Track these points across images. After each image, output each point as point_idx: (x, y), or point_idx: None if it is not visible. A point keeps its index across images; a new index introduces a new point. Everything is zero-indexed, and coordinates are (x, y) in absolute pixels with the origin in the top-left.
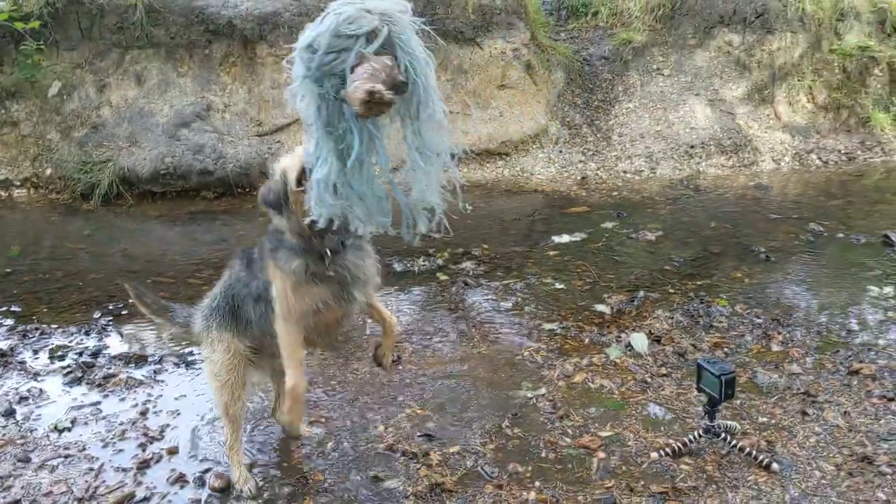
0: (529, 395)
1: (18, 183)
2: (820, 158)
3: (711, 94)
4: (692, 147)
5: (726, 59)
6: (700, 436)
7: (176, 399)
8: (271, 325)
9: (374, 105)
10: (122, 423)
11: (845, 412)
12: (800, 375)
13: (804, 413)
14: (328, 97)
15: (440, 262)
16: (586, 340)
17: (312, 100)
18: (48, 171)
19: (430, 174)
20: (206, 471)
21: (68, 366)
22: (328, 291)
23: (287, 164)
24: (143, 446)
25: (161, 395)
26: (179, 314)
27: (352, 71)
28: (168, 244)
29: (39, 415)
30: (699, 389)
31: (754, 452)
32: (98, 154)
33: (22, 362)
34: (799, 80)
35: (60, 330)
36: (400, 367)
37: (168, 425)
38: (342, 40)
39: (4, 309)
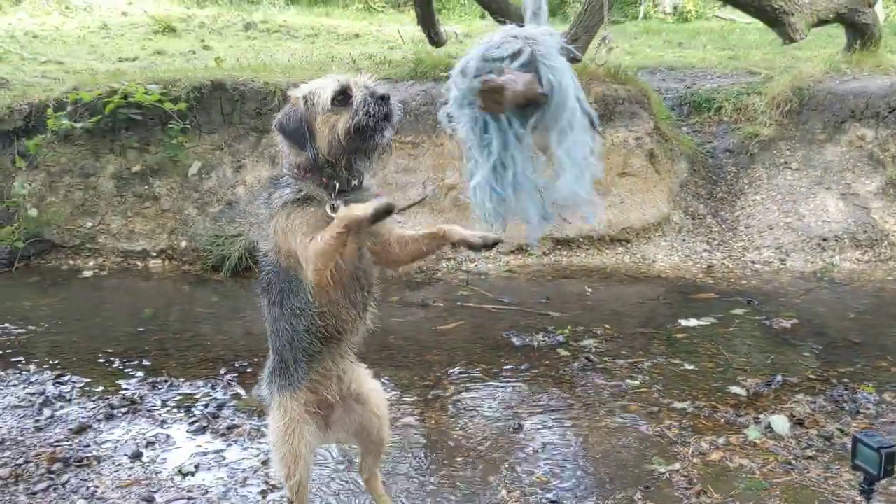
0: (662, 469)
1: (155, 254)
2: None
3: (843, 188)
4: (824, 240)
5: (858, 153)
6: None
7: None
8: (322, 360)
9: (487, 93)
10: (244, 471)
11: None
12: None
13: None
14: (478, 115)
15: (561, 338)
16: (721, 420)
17: (466, 119)
18: (183, 244)
19: (577, 169)
20: None
21: (194, 415)
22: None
23: (314, 87)
24: (263, 493)
25: None
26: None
27: None
28: None
29: (165, 459)
30: (854, 467)
31: None
32: (230, 229)
33: (150, 410)
34: None
35: (188, 383)
36: (522, 436)
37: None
38: (489, 63)
39: (136, 363)
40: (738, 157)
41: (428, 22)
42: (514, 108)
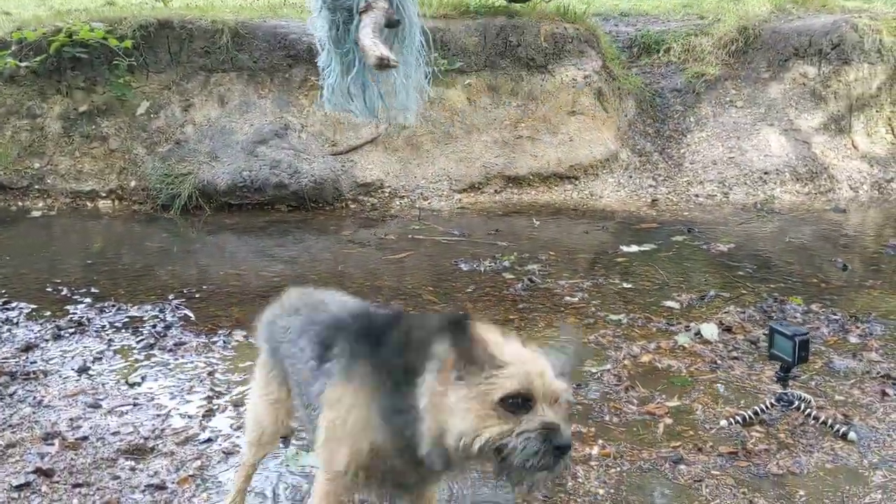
0: (594, 370)
1: (104, 194)
2: None
3: (786, 124)
4: (766, 174)
5: (801, 90)
6: (772, 405)
7: (242, 364)
8: None
9: (383, 67)
10: (190, 380)
11: None
12: (879, 363)
13: (884, 393)
14: (338, 23)
15: (506, 264)
16: (654, 329)
17: (326, 25)
18: (132, 184)
19: (408, 85)
20: None
21: (142, 334)
22: None
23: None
24: (209, 399)
25: (231, 359)
26: None
27: (360, 13)
28: (240, 248)
29: (112, 371)
30: (771, 356)
31: (830, 421)
32: (180, 168)
33: (98, 331)
34: (877, 112)
35: (136, 307)
36: None
37: (235, 381)
38: None
39: (84, 290)
40: (685, 97)
41: None
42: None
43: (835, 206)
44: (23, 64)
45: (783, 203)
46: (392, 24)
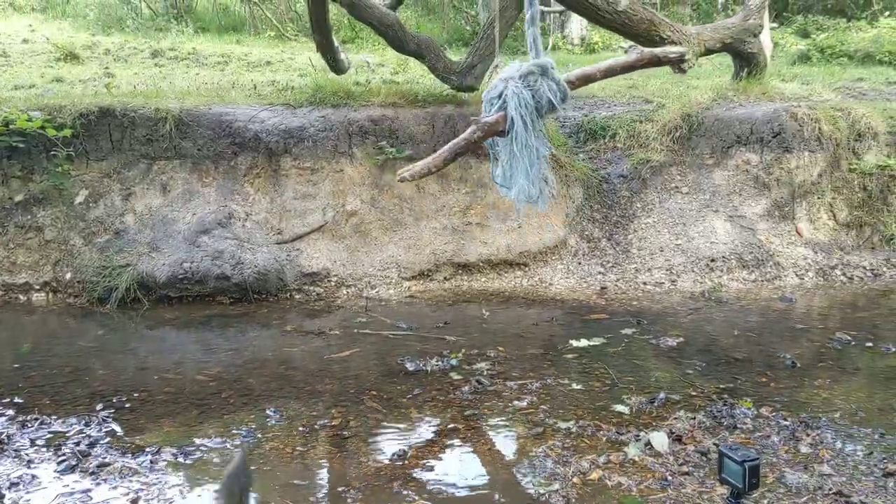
0: (542, 490)
1: (38, 287)
2: (844, 274)
3: (731, 210)
4: (713, 261)
5: (745, 177)
6: None
7: (170, 488)
8: None
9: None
10: None
11: None
12: (831, 476)
13: None
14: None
15: (454, 362)
16: (604, 439)
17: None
18: (68, 276)
19: (528, 172)
20: None
21: (63, 454)
22: None
23: None
24: None
25: (156, 484)
26: None
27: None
28: (178, 345)
29: (28, 500)
30: (721, 481)
31: None
32: (118, 259)
33: (17, 450)
34: (819, 198)
35: (60, 420)
36: (407, 462)
37: None
38: (488, 103)
39: (7, 400)
40: (632, 183)
41: (327, 49)
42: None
43: (782, 294)
44: None
45: (730, 291)
46: (500, 134)
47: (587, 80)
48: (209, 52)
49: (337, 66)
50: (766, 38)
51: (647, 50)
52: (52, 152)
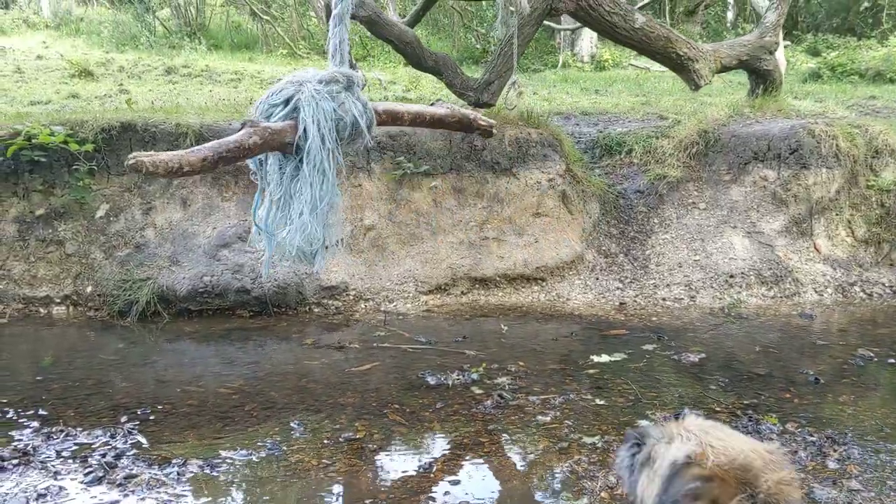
0: None
1: (58, 300)
2: (864, 291)
3: (749, 226)
4: (731, 277)
5: (762, 193)
6: None
7: (199, 500)
8: None
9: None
10: None
11: None
12: (860, 492)
13: None
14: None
15: (475, 376)
16: None
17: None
18: (89, 289)
19: (316, 205)
20: None
21: (90, 466)
22: None
23: None
24: None
25: (184, 496)
26: None
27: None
28: (199, 358)
29: None
30: None
31: None
32: (139, 273)
33: (44, 462)
34: (837, 215)
35: (86, 432)
36: (433, 476)
37: None
38: (270, 108)
39: (31, 412)
40: (648, 198)
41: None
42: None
43: (801, 311)
44: None
45: (750, 307)
46: (284, 148)
47: (394, 117)
48: (222, 70)
49: None
50: (780, 56)
51: (458, 108)
52: (74, 166)
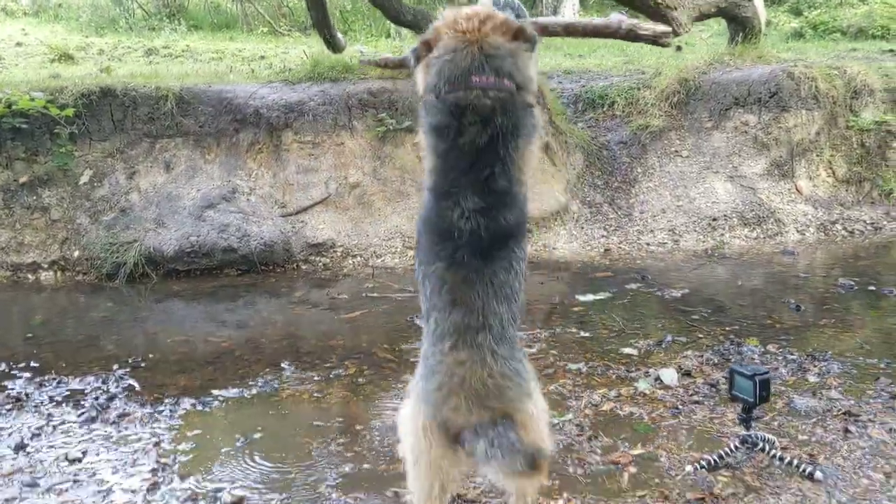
0: (555, 420)
1: (46, 266)
2: (845, 229)
3: (731, 171)
4: (715, 220)
5: (744, 138)
6: (737, 447)
7: (192, 432)
8: None
9: None
10: (134, 453)
11: (891, 429)
12: (839, 400)
13: (847, 430)
14: None
15: None
16: (613, 377)
17: None
18: (76, 254)
19: None
20: (220, 490)
21: (83, 407)
22: None
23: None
24: (154, 471)
25: (178, 428)
26: None
27: None
28: (189, 313)
29: (51, 448)
30: (733, 398)
31: (796, 462)
32: (125, 236)
33: (37, 406)
34: (818, 156)
35: (78, 379)
36: None
37: (182, 450)
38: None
39: (23, 365)
40: (631, 149)
41: (324, 25)
42: None
43: (784, 249)
44: None
45: (733, 248)
46: None
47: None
48: (203, 49)
49: (334, 44)
50: (759, 4)
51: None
52: (55, 132)
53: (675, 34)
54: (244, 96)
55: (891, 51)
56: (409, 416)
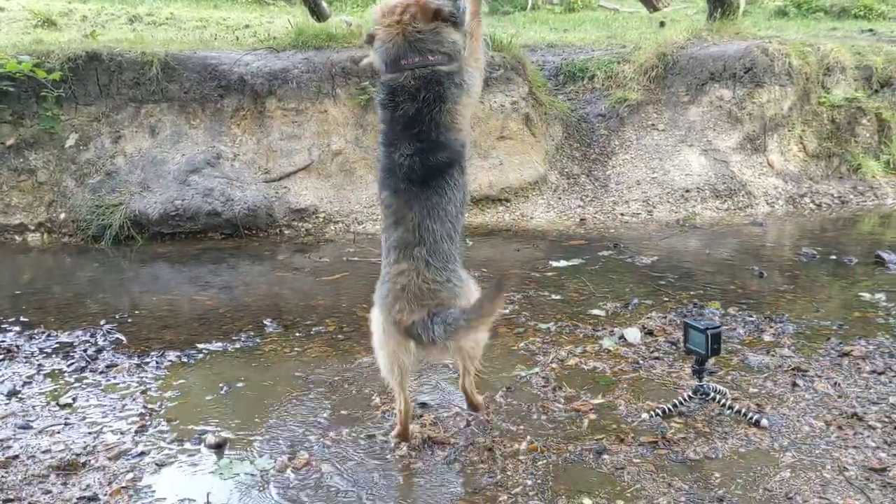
0: (523, 373)
1: (33, 227)
2: (813, 202)
3: (705, 144)
4: (687, 192)
5: (718, 112)
6: (690, 397)
7: (177, 381)
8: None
9: None
10: (122, 399)
11: (836, 383)
12: (791, 357)
13: (794, 384)
14: None
15: None
16: (581, 335)
17: None
18: (62, 216)
19: None
20: (203, 432)
21: (73, 358)
22: None
23: None
24: (142, 416)
25: (164, 378)
26: None
27: None
28: (174, 274)
29: (43, 394)
30: (687, 351)
31: (744, 411)
32: (111, 199)
33: (28, 357)
34: (789, 131)
35: (67, 333)
36: None
37: (168, 397)
38: None
39: (12, 320)
40: (609, 121)
41: None
42: None
43: (753, 220)
44: None
45: (704, 219)
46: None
47: None
48: (187, 17)
49: (319, 12)
50: None
51: None
52: (42, 95)
53: (655, 8)
54: (229, 63)
55: (870, 30)
56: (374, 317)
